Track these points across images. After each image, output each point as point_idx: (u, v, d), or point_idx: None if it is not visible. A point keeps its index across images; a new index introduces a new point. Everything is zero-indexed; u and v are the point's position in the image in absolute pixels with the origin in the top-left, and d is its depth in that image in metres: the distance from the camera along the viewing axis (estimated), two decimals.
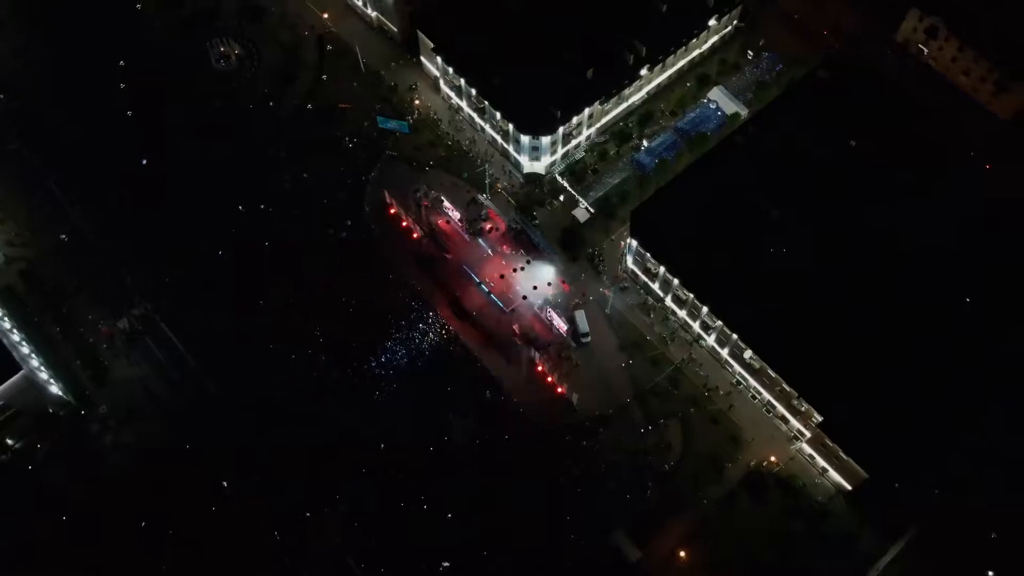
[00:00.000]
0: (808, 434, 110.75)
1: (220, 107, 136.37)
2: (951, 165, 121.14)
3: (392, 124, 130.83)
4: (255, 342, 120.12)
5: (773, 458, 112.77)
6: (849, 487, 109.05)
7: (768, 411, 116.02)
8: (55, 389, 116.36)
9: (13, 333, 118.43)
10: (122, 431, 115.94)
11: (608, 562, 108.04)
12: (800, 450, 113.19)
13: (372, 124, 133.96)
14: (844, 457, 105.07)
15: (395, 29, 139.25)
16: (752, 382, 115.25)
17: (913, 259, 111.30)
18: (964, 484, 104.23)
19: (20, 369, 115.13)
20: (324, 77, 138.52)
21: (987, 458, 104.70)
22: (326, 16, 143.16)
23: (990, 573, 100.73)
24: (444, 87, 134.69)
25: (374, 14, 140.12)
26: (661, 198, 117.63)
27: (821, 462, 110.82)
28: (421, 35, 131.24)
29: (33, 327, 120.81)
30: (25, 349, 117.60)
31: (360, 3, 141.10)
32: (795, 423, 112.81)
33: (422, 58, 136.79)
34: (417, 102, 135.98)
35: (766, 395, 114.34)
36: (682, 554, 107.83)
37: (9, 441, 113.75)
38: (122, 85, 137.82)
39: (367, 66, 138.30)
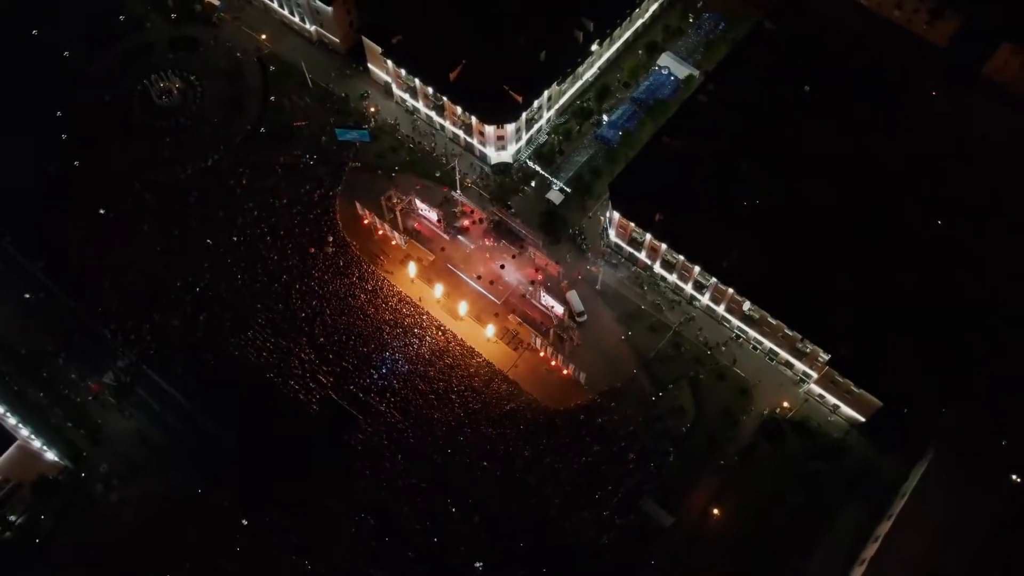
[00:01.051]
0: (815, 374, 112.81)
1: (171, 142, 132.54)
2: (901, 96, 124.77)
3: (352, 135, 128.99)
4: (250, 374, 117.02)
5: (786, 403, 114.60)
6: (862, 419, 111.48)
7: (771, 359, 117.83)
8: (51, 455, 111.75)
9: None
10: (128, 487, 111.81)
11: (644, 531, 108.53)
12: (809, 391, 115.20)
13: (330, 139, 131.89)
14: (855, 390, 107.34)
15: (337, 40, 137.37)
16: (752, 333, 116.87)
17: (883, 190, 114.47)
18: (973, 399, 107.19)
19: (14, 440, 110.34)
20: (272, 98, 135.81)
21: (991, 370, 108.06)
22: (263, 37, 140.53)
23: (1014, 476, 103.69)
24: (397, 91, 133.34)
25: (313, 28, 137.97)
26: (635, 167, 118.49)
27: (832, 399, 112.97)
28: (367, 42, 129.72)
29: (14, 396, 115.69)
30: (12, 420, 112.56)
31: (297, 19, 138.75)
32: (800, 366, 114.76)
33: (370, 65, 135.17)
34: (373, 109, 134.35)
35: (767, 343, 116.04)
36: (715, 511, 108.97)
37: (11, 517, 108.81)
38: (63, 136, 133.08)
39: (314, 81, 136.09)
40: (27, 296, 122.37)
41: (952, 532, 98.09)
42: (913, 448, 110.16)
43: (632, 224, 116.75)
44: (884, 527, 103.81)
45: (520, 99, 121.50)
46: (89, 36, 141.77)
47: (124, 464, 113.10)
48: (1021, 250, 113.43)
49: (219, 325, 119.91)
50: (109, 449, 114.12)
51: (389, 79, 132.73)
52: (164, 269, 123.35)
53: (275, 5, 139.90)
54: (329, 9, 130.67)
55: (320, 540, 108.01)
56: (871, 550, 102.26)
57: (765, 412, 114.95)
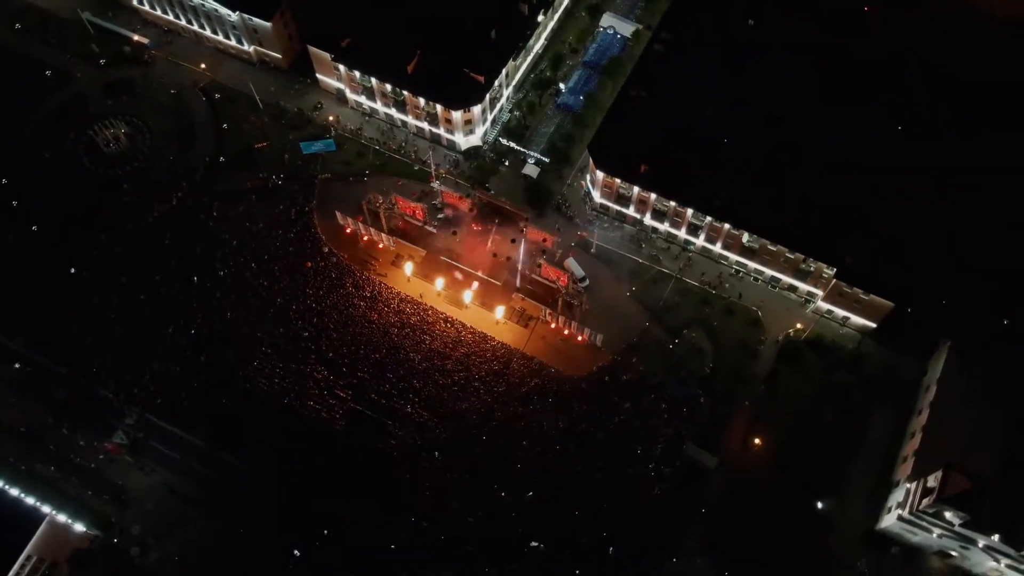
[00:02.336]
0: (821, 292, 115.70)
1: (129, 188, 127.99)
2: (837, 15, 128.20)
3: (318, 146, 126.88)
4: (266, 403, 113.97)
5: (799, 325, 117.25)
6: (873, 325, 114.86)
7: (773, 287, 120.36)
8: (80, 527, 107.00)
9: (10, 491, 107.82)
10: (165, 543, 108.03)
11: (691, 476, 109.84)
12: (817, 310, 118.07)
13: (293, 156, 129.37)
14: (864, 297, 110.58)
15: (279, 56, 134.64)
16: (752, 265, 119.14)
17: (843, 106, 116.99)
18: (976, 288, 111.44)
19: (43, 518, 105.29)
20: (224, 126, 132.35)
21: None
22: (202, 67, 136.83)
23: None
24: (351, 95, 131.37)
25: (252, 48, 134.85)
26: (610, 125, 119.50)
27: (840, 312, 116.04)
28: (313, 51, 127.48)
29: (25, 476, 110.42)
30: (30, 500, 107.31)
31: (234, 42, 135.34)
32: (804, 287, 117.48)
33: (318, 75, 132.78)
34: (332, 118, 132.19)
35: (768, 272, 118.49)
36: (756, 441, 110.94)
37: None
38: (14, 203, 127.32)
39: (264, 102, 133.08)
40: (16, 366, 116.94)
41: (983, 413, 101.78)
42: (925, 343, 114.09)
43: (618, 181, 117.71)
44: (917, 421, 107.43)
45: (482, 79, 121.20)
46: (16, 97, 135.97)
47: (157, 520, 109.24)
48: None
49: (222, 362, 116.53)
50: (138, 509, 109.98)
51: (341, 85, 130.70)
52: (152, 317, 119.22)
53: (208, 32, 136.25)
54: (268, 25, 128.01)
55: (377, 554, 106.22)
56: (910, 446, 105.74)
57: (780, 338, 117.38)
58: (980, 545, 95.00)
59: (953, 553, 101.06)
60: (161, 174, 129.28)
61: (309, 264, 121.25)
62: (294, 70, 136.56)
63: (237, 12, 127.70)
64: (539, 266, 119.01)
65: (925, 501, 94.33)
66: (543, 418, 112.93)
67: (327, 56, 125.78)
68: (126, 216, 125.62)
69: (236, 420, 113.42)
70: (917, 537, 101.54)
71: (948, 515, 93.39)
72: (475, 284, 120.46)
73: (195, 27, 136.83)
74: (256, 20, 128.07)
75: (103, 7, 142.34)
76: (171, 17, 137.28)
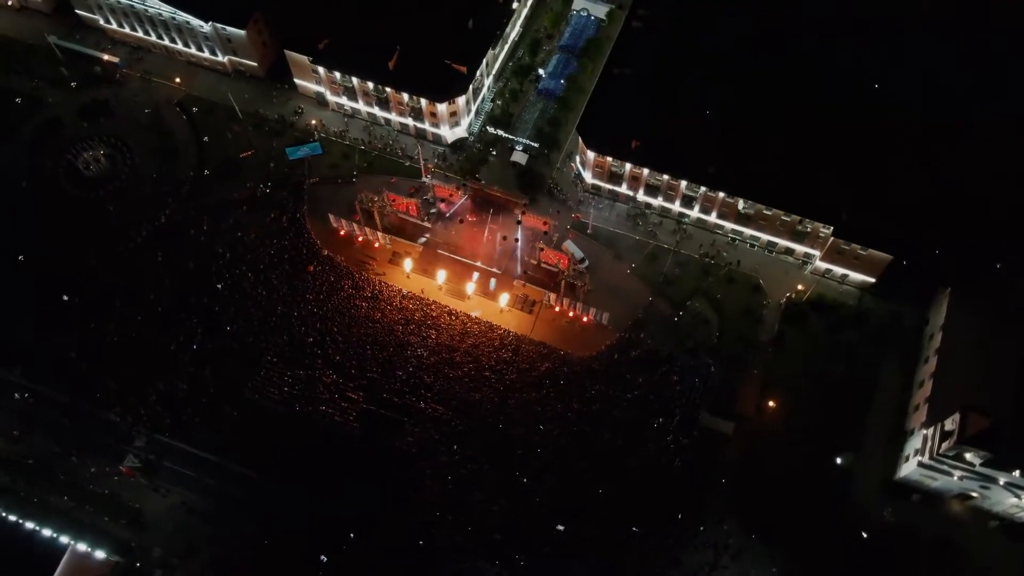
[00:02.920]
0: (819, 252, 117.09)
1: (115, 210, 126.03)
2: None
3: (304, 150, 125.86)
4: (277, 413, 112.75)
5: (800, 286, 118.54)
6: (873, 279, 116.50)
7: (770, 251, 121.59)
8: (101, 554, 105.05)
9: (25, 524, 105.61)
10: (189, 562, 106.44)
11: (709, 445, 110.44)
12: (815, 270, 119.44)
13: (278, 163, 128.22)
14: (863, 252, 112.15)
15: (254, 64, 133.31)
16: (747, 231, 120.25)
17: (818, 61, 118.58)
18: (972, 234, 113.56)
19: (64, 549, 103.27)
20: (205, 139, 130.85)
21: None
22: (177, 81, 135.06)
23: None
24: (331, 97, 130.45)
25: (226, 59, 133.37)
26: (596, 106, 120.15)
27: (839, 270, 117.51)
28: (291, 55, 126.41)
29: (38, 509, 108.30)
30: (47, 532, 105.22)
31: (207, 54, 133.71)
32: (801, 248, 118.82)
33: (296, 80, 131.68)
34: (314, 122, 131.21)
35: (765, 237, 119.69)
36: (770, 404, 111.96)
37: None
38: None
39: (243, 111, 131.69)
40: (16, 396, 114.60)
41: (990, 354, 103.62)
42: (923, 294, 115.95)
43: (609, 160, 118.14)
44: (925, 370, 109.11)
45: (464, 70, 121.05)
46: None
47: (178, 541, 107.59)
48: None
49: (228, 375, 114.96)
50: (157, 531, 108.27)
51: (321, 88, 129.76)
52: (153, 336, 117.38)
53: (179, 46, 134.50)
54: (242, 33, 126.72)
55: (406, 552, 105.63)
56: (921, 394, 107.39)
57: (782, 301, 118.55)
58: (1001, 483, 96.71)
59: (974, 494, 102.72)
60: (146, 193, 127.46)
61: (311, 268, 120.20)
62: (271, 77, 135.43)
63: (210, 23, 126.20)
64: (540, 250, 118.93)
65: (945, 444, 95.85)
66: (557, 401, 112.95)
67: (305, 60, 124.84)
68: (114, 238, 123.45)
69: (249, 432, 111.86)
70: (937, 482, 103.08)
71: (969, 456, 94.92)
72: (475, 275, 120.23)
73: (166, 42, 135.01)
74: (230, 29, 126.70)
75: (69, 30, 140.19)
76: (140, 34, 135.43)
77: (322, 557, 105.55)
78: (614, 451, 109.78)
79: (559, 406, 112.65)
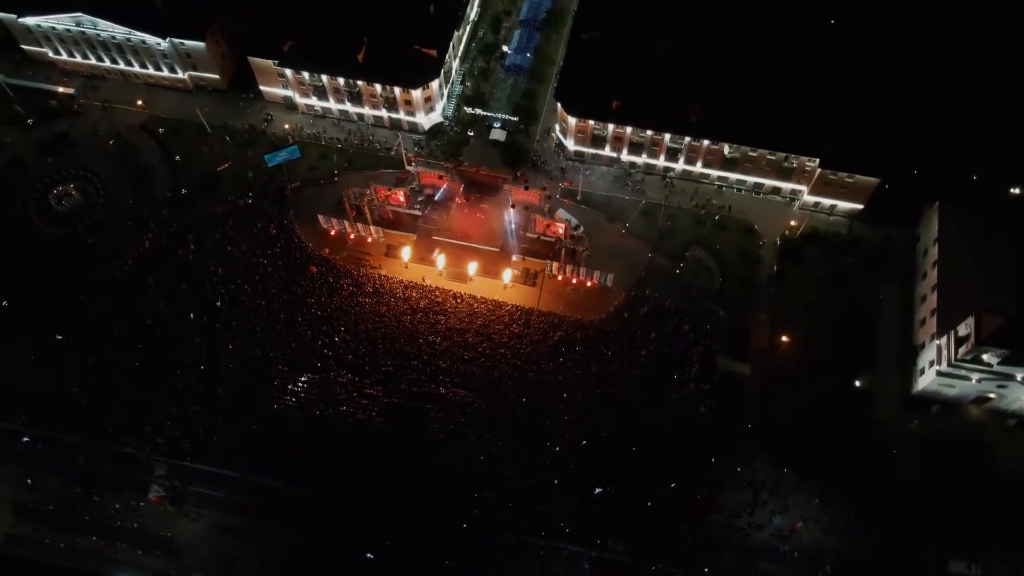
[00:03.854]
0: (805, 187, 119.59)
1: (96, 241, 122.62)
2: None
3: (282, 155, 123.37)
4: (297, 419, 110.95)
5: (792, 223, 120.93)
6: (861, 206, 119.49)
7: (758, 193, 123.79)
8: None
9: (59, 570, 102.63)
10: None
11: (728, 387, 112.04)
12: (804, 205, 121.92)
13: (256, 173, 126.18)
14: (850, 180, 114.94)
15: (216, 77, 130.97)
16: (733, 176, 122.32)
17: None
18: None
19: None
20: (177, 158, 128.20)
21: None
22: (140, 104, 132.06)
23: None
24: (300, 99, 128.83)
25: (187, 75, 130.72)
26: (569, 72, 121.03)
27: (827, 202, 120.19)
28: (255, 62, 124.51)
29: (68, 554, 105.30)
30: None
31: (166, 72, 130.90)
32: (787, 186, 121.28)
33: (261, 88, 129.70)
34: (287, 127, 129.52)
35: (751, 179, 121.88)
36: (783, 339, 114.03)
37: None
38: None
39: (211, 125, 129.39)
40: (25, 439, 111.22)
41: (986, 261, 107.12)
42: (911, 213, 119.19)
43: (591, 123, 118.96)
44: (924, 284, 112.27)
45: (434, 53, 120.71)
46: None
47: (215, 562, 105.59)
48: None
49: (241, 389, 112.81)
50: (194, 556, 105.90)
51: (288, 92, 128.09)
52: (156, 363, 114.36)
53: (136, 68, 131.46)
54: (202, 46, 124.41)
55: (451, 535, 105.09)
56: (926, 308, 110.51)
57: (776, 240, 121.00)
58: (1019, 378, 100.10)
59: (991, 396, 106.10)
60: (124, 220, 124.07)
61: (312, 268, 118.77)
62: (234, 89, 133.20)
63: (167, 39, 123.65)
64: (535, 223, 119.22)
65: (962, 350, 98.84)
66: (575, 367, 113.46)
67: (270, 64, 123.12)
68: (100, 269, 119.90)
69: (271, 443, 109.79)
70: (955, 389, 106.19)
71: (986, 357, 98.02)
72: (474, 256, 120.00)
73: (121, 66, 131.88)
74: (188, 43, 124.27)
75: (18, 67, 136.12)
76: (94, 61, 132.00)
77: (368, 555, 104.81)
78: (639, 408, 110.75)
79: (578, 372, 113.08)
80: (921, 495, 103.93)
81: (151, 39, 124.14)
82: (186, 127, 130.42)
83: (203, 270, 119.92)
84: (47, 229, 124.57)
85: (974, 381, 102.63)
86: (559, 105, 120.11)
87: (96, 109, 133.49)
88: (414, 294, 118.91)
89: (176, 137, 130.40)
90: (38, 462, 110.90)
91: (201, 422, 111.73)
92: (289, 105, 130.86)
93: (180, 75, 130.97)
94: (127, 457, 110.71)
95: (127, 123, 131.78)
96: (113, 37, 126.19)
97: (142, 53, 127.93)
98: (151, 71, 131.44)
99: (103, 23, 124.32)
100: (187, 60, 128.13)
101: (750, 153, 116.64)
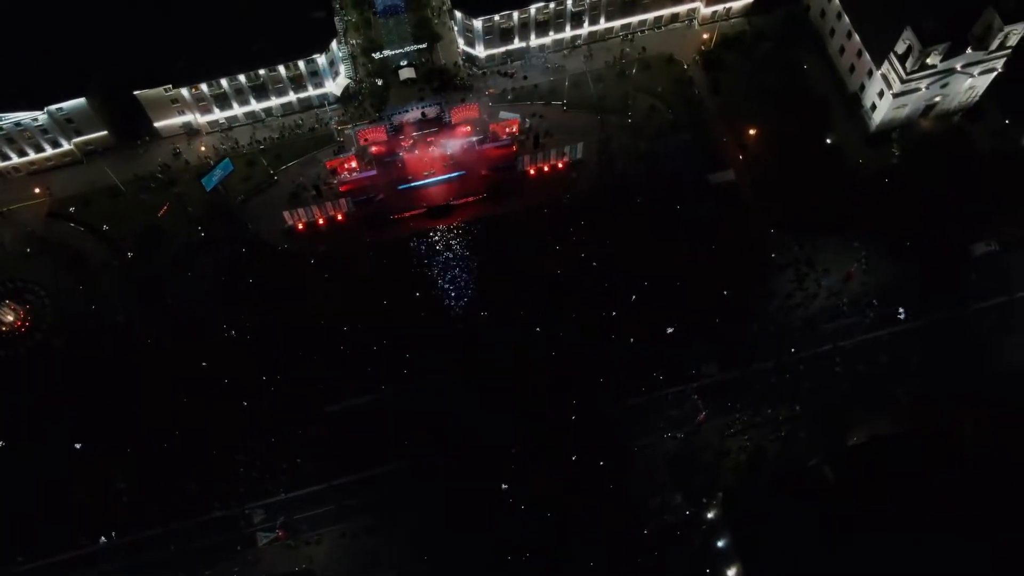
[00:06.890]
0: (699, 3, 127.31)
1: (63, 343, 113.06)
2: None
3: (217, 174, 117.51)
4: (364, 410, 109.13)
5: (704, 36, 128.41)
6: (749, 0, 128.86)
7: (661, 28, 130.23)
8: None
9: None
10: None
11: (725, 195, 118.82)
12: (704, 19, 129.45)
13: (196, 206, 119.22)
14: None
15: (104, 133, 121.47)
16: (634, 20, 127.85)
17: None
18: None
19: None
20: (106, 227, 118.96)
21: None
22: (37, 191, 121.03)
23: None
24: (201, 119, 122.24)
25: (72, 144, 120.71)
26: None
27: (720, 8, 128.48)
28: (146, 96, 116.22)
29: None
30: None
31: (50, 150, 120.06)
32: (683, 9, 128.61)
33: (156, 124, 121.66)
34: (203, 149, 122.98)
35: (651, 16, 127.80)
36: (750, 132, 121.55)
37: None
38: None
39: (123, 182, 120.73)
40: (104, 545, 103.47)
41: None
42: None
43: (496, 18, 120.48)
44: (837, 37, 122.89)
45: (324, 13, 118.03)
46: None
47: (357, 565, 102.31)
48: None
49: (297, 411, 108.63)
50: (336, 571, 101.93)
51: (187, 116, 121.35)
52: (190, 421, 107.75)
53: (15, 160, 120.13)
54: (83, 101, 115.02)
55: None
56: (849, 51, 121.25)
57: (696, 58, 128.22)
58: (959, 67, 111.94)
59: (937, 99, 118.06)
60: (81, 308, 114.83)
61: (313, 262, 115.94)
62: (125, 139, 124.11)
63: (44, 109, 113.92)
64: (486, 135, 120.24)
65: (909, 61, 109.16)
66: (586, 247, 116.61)
67: (162, 92, 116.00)
68: (82, 375, 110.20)
69: (350, 442, 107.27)
70: (907, 108, 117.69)
71: (930, 60, 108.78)
72: (444, 188, 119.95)
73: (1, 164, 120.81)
74: (67, 105, 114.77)
75: None
76: None
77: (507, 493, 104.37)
78: (658, 250, 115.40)
79: (590, 244, 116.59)
80: (929, 197, 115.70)
81: (26, 116, 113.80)
82: (96, 196, 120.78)
83: (189, 317, 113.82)
84: (4, 354, 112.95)
85: (924, 89, 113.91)
86: (457, 14, 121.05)
87: None
88: (409, 248, 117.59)
89: (90, 210, 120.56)
90: (130, 568, 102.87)
91: (275, 456, 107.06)
92: (191, 131, 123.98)
93: (66, 146, 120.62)
94: (218, 521, 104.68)
95: (31, 219, 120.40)
96: None
97: (18, 139, 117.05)
98: (33, 156, 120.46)
99: None
100: (69, 126, 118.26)
101: None
